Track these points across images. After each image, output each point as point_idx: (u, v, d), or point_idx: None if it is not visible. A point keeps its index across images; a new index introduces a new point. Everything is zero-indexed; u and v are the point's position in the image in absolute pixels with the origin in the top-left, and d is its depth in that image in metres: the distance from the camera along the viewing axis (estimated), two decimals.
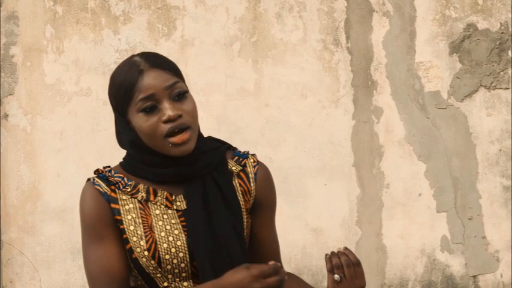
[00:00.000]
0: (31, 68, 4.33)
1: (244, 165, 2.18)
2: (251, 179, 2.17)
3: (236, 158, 2.17)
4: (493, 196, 4.25)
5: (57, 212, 4.30)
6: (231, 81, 4.25)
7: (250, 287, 1.96)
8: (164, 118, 2.03)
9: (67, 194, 4.27)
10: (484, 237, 4.24)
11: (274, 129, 4.28)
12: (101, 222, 2.08)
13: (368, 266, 4.27)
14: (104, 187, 2.10)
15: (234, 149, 2.20)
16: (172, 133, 2.04)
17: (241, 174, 2.17)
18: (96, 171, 2.14)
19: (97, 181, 2.11)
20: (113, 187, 2.10)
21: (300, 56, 4.28)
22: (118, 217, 2.08)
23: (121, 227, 2.08)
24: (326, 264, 2.02)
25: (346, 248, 2.03)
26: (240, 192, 2.15)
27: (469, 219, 4.24)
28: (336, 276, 2.01)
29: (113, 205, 2.09)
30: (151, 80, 2.04)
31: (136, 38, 4.31)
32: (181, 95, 2.06)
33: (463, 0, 4.27)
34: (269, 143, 4.27)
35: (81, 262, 4.29)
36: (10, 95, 4.33)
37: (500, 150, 4.26)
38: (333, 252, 2.03)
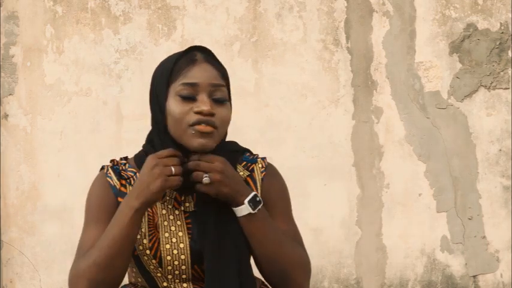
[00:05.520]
0: (31, 68, 4.33)
1: (252, 171, 2.17)
2: (258, 185, 2.17)
3: (244, 163, 2.17)
4: (493, 196, 4.25)
5: (57, 212, 4.30)
6: (231, 81, 4.25)
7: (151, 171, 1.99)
8: (197, 109, 2.04)
9: (67, 194, 4.27)
10: (484, 237, 4.24)
11: (274, 129, 4.28)
12: (103, 209, 2.09)
13: (368, 266, 4.27)
14: (114, 180, 2.11)
15: (244, 153, 2.19)
16: (198, 123, 2.04)
17: (249, 179, 2.17)
18: (112, 161, 2.14)
19: (109, 173, 2.13)
20: (123, 182, 2.10)
21: (300, 56, 4.28)
22: None
23: None
24: (196, 178, 2.03)
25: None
26: None
27: (469, 219, 4.24)
28: (206, 179, 2.03)
29: (120, 199, 2.10)
30: (201, 71, 2.07)
31: (136, 38, 4.31)
32: (220, 100, 2.07)
33: (463, 0, 4.27)
34: (269, 143, 4.27)
35: None
36: (10, 95, 4.33)
37: (500, 150, 4.26)
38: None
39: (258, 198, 2.06)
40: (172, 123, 2.06)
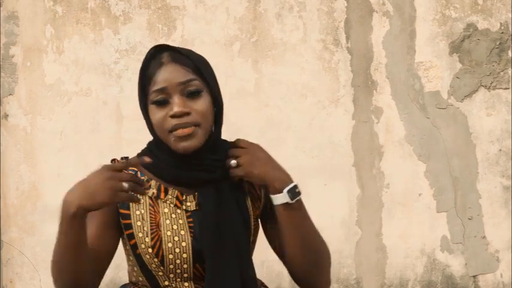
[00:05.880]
0: (31, 68, 4.33)
1: None
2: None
3: None
4: (493, 196, 4.25)
5: (57, 212, 4.28)
6: (231, 81, 4.25)
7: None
8: (171, 113, 2.05)
9: None
10: (484, 237, 4.24)
11: (274, 129, 4.28)
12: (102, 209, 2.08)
13: (368, 266, 4.27)
14: None
15: None
16: (176, 129, 2.05)
17: None
18: (113, 161, 2.14)
19: None
20: None
21: (300, 56, 4.28)
22: (126, 211, 2.09)
23: (127, 221, 2.09)
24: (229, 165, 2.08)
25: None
26: (249, 199, 2.16)
27: (469, 219, 4.24)
28: (233, 162, 2.08)
29: None
30: (167, 74, 2.07)
31: (136, 38, 4.31)
32: (194, 93, 2.07)
33: (463, 0, 4.27)
34: (269, 143, 4.27)
35: None
36: (10, 95, 4.33)
37: (500, 150, 4.26)
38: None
39: (297, 190, 2.10)
40: (156, 131, 2.09)
